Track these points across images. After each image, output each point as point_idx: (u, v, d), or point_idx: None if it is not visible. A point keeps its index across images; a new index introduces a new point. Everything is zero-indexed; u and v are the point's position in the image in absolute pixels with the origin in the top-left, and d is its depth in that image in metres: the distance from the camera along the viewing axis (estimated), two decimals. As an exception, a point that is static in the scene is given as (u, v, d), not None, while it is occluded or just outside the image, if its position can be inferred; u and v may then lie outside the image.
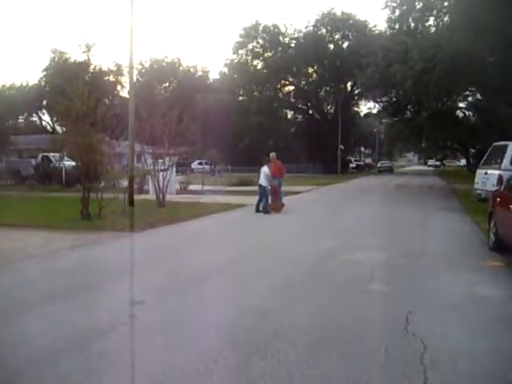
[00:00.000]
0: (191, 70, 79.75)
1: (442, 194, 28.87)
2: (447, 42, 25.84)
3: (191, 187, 30.03)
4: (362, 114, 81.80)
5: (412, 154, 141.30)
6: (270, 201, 18.70)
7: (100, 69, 66.02)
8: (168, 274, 8.58)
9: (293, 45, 69.34)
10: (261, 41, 70.17)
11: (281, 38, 69.56)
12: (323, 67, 68.92)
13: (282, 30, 69.48)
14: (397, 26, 33.81)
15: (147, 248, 11.45)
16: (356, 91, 70.20)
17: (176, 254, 10.70)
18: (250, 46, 70.65)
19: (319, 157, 66.57)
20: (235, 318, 6.16)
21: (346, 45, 68.70)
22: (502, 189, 11.75)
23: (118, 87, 69.35)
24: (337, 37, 68.88)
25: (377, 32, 60.44)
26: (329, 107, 75.58)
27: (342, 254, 10.42)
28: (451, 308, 6.60)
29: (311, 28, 68.08)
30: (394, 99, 46.96)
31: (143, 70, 76.00)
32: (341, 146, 64.29)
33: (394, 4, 32.64)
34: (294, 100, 75.80)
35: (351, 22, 67.55)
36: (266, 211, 17.98)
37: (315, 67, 70.48)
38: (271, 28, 69.08)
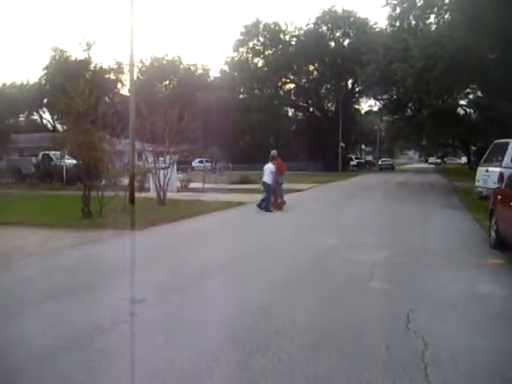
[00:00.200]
0: (192, 68, 79.82)
1: (442, 192, 28.85)
2: (448, 39, 25.81)
3: (192, 185, 30.03)
4: (362, 111, 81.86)
5: (413, 151, 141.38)
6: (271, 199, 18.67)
7: (101, 67, 66.10)
8: (169, 272, 8.58)
9: (293, 42, 69.30)
10: (261, 38, 70.11)
11: (281, 36, 69.49)
12: (324, 65, 68.85)
13: (283, 27, 69.47)
14: (397, 24, 33.78)
15: (148, 246, 11.46)
16: (357, 89, 70.16)
17: (177, 252, 10.71)
18: (250, 44, 70.63)
19: (320, 154, 66.51)
20: (236, 316, 6.16)
21: (346, 42, 68.63)
22: (503, 186, 11.75)
23: (119, 85, 69.49)
24: (337, 34, 68.77)
25: (377, 30, 60.43)
26: (329, 105, 75.55)
27: (343, 251, 10.43)
28: (452, 306, 6.60)
29: (312, 26, 68.00)
30: (395, 97, 46.95)
31: (144, 68, 76.08)
32: (341, 144, 64.29)
33: (395, 2, 32.58)
34: (294, 98, 75.69)
35: (352, 19, 67.43)
36: (268, 209, 17.95)
37: (316, 65, 70.41)
38: (272, 26, 69.03)
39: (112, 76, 68.15)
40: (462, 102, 50.43)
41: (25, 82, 72.28)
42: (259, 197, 19.29)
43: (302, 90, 73.19)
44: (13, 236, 12.32)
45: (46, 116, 73.37)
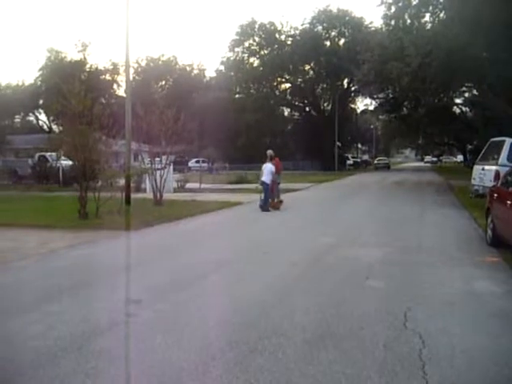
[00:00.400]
0: (187, 68, 79.94)
1: (439, 190, 28.88)
2: (443, 38, 25.83)
3: (189, 185, 30.00)
4: (358, 110, 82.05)
5: (409, 150, 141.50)
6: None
7: (96, 68, 66.04)
8: (166, 273, 8.57)
9: (289, 42, 69.38)
10: (257, 38, 70.15)
11: (277, 36, 69.54)
12: (320, 64, 68.84)
13: (279, 27, 69.54)
14: (393, 23, 33.73)
15: (145, 247, 11.45)
16: (352, 88, 70.12)
17: (173, 253, 10.69)
18: (246, 44, 70.68)
19: (316, 154, 66.46)
20: (233, 315, 6.16)
21: (342, 42, 68.58)
22: (499, 184, 11.78)
23: (115, 86, 69.52)
24: (333, 34, 68.82)
25: (373, 29, 60.35)
26: (325, 104, 75.52)
27: (340, 250, 10.45)
28: (450, 303, 6.62)
29: (307, 25, 68.10)
30: (391, 96, 46.83)
31: (139, 69, 76.13)
32: (338, 143, 64.28)
33: (390, 1, 32.53)
34: (290, 97, 75.74)
35: (347, 18, 67.50)
36: (265, 209, 17.92)
37: (312, 64, 70.41)
38: (267, 25, 69.09)
39: (108, 77, 68.13)
40: (458, 101, 50.43)
41: (20, 83, 72.33)
42: (256, 197, 19.32)
43: (297, 89, 73.18)
44: (9, 237, 12.30)
45: (42, 117, 73.41)
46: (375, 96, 55.08)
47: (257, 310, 6.40)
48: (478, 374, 4.60)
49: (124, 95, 29.76)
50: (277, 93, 74.37)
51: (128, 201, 18.23)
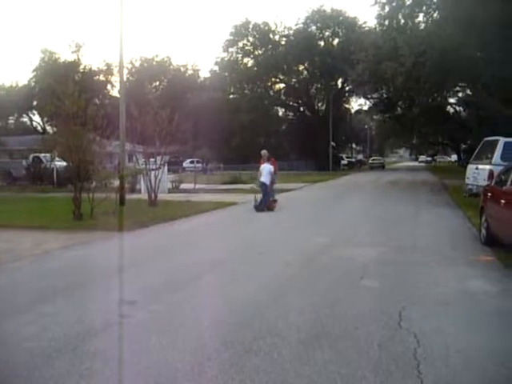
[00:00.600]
0: (181, 68, 79.97)
1: (433, 190, 28.94)
2: (437, 38, 25.89)
3: (183, 186, 29.96)
4: (352, 110, 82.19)
5: (403, 150, 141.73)
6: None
7: (90, 68, 66.05)
8: (160, 274, 8.56)
9: (283, 42, 69.46)
10: (251, 39, 70.19)
11: (271, 36, 69.62)
12: (314, 64, 68.93)
13: (272, 27, 69.63)
14: (386, 23, 33.77)
15: (139, 248, 11.44)
16: (347, 88, 70.28)
17: (168, 253, 10.68)
18: (240, 44, 70.69)
19: (310, 154, 66.51)
20: (228, 316, 6.15)
21: (336, 42, 68.66)
22: (492, 183, 11.81)
23: (109, 87, 69.54)
24: (327, 34, 68.90)
25: (367, 29, 60.41)
26: (320, 104, 75.59)
27: (335, 250, 10.46)
28: (444, 303, 6.63)
29: (301, 25, 68.17)
30: (385, 95, 46.91)
31: (133, 69, 76.11)
32: (332, 143, 64.34)
33: (384, 0, 32.61)
34: (284, 97, 75.82)
35: (341, 18, 67.57)
36: (261, 209, 17.91)
37: (306, 64, 70.48)
38: (261, 26, 69.14)
39: (101, 77, 68.12)
40: (452, 100, 50.54)
41: (14, 84, 72.17)
42: (250, 197, 19.30)
43: (292, 89, 73.26)
44: (4, 239, 12.25)
45: (36, 118, 73.32)
46: (369, 96, 55.18)
47: (251, 310, 6.40)
48: (472, 373, 4.61)
49: (118, 96, 29.74)
50: (271, 93, 74.45)
51: (122, 202, 18.21)
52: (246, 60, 72.19)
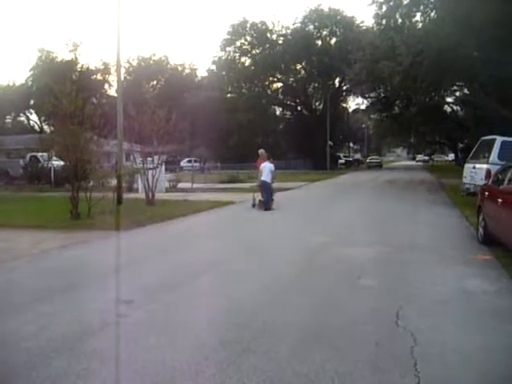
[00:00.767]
0: (179, 67, 79.90)
1: (431, 189, 28.96)
2: (434, 37, 25.91)
3: (181, 185, 29.94)
4: (350, 109, 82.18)
5: (401, 149, 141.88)
6: (261, 197, 18.63)
7: (87, 67, 65.96)
8: (157, 273, 8.55)
9: (281, 41, 69.34)
10: (249, 38, 70.09)
11: (268, 35, 69.52)
12: (311, 64, 68.91)
13: (270, 26, 69.52)
14: (384, 22, 33.76)
15: (136, 247, 11.43)
16: (344, 87, 70.20)
17: (165, 253, 10.67)
18: (237, 43, 70.56)
19: (308, 153, 66.52)
20: (226, 315, 6.15)
21: (333, 41, 68.67)
22: (489, 183, 11.83)
23: (106, 86, 69.49)
24: (324, 33, 68.82)
25: (364, 28, 60.41)
26: (317, 103, 75.61)
27: (333, 249, 10.46)
28: (442, 302, 6.64)
29: (299, 24, 68.12)
30: (383, 95, 46.92)
31: (131, 69, 76.00)
32: (329, 142, 64.36)
33: (381, 0, 32.64)
34: (282, 97, 75.78)
35: (338, 18, 67.52)
36: (268, 208, 17.89)
37: (303, 64, 70.45)
38: (259, 25, 69.03)
39: (99, 77, 68.03)
40: (449, 100, 50.58)
41: (11, 84, 72.02)
42: (249, 196, 19.31)
43: (289, 88, 73.23)
44: (1, 238, 12.21)
45: (33, 117, 73.20)
46: (367, 95, 55.17)
47: (249, 309, 6.39)
48: (469, 371, 4.62)
49: (115, 95, 29.70)
50: (268, 92, 74.35)
51: (120, 201, 18.19)
52: (243, 59, 72.10)
